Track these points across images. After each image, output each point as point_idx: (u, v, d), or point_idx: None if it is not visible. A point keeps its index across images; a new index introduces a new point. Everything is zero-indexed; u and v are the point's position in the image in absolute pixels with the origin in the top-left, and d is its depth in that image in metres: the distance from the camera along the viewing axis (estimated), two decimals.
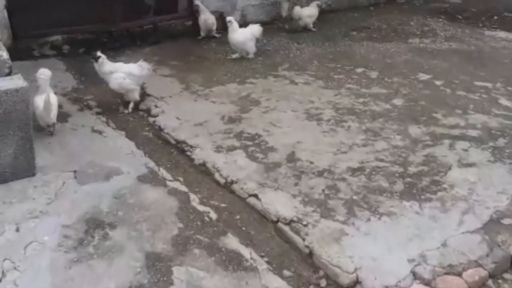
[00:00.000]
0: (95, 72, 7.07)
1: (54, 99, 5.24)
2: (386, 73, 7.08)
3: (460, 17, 10.01)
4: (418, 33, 8.98)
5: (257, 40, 7.74)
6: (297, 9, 8.83)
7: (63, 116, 5.82)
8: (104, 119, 5.89)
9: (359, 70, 7.21)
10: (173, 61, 7.59)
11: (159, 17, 8.14)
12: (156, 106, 6.10)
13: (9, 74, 4.34)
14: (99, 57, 5.94)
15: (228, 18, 7.59)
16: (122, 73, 5.92)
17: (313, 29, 8.91)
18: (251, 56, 7.62)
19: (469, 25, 9.47)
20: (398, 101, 6.21)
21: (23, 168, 4.31)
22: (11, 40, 7.23)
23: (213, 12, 8.60)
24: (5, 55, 4.27)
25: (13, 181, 4.42)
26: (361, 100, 6.27)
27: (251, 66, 7.37)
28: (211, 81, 6.90)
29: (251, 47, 7.61)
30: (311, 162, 4.92)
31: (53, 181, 4.56)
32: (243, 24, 8.79)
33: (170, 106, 6.11)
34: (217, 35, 8.44)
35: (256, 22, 8.98)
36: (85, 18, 7.81)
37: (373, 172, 4.72)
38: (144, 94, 6.46)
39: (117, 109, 6.17)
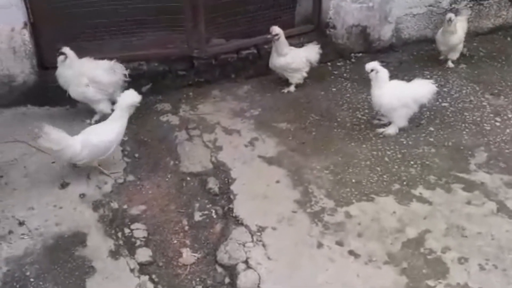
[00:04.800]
0: (163, 134, 4.48)
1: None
2: None
3: None
4: None
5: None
6: None
7: (80, 271, 3.20)
8: (150, 287, 3.16)
9: None
10: (283, 120, 4.62)
11: (264, 37, 5.11)
12: (247, 264, 3.22)
13: None
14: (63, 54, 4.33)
15: (370, 66, 4.29)
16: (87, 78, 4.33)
17: None
18: (392, 131, 4.37)
19: None
20: None
21: None
22: (35, 74, 4.63)
23: (353, 27, 5.42)
24: None
25: None
26: None
27: (418, 151, 4.20)
28: (347, 182, 3.89)
29: (401, 119, 4.35)
30: None
31: None
32: (396, 42, 5.65)
33: (274, 264, 3.24)
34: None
35: (416, 40, 5.81)
36: (152, 39, 5.00)
37: None
38: (227, 215, 3.65)
39: (180, 252, 3.41)
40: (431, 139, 4.33)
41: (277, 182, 3.92)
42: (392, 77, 4.83)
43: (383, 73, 4.26)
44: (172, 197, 3.81)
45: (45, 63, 4.70)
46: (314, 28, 5.49)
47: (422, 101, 4.34)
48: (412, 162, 4.08)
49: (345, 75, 5.30)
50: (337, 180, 3.92)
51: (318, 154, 4.20)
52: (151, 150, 4.26)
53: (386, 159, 4.13)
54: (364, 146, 4.28)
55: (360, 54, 5.58)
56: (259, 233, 3.45)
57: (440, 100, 4.81)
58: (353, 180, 3.92)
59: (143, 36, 4.99)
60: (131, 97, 3.90)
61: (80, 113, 4.59)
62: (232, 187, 3.84)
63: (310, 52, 5.02)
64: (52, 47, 4.63)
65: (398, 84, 4.37)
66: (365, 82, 4.79)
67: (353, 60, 5.54)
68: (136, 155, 4.20)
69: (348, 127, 4.51)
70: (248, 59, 5.23)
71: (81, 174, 3.92)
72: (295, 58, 4.95)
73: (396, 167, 4.04)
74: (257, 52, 5.25)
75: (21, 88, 4.61)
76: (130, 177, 3.97)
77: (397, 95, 4.25)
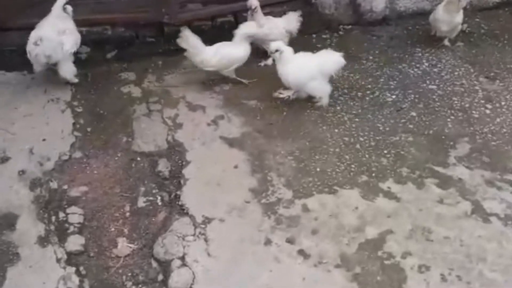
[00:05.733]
0: (120, 106, 4.16)
1: None
2: None
3: None
4: None
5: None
6: None
7: (4, 258, 2.95)
8: (75, 280, 2.90)
9: None
10: (254, 97, 4.24)
11: (243, 3, 4.68)
12: (183, 260, 2.95)
13: None
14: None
15: (275, 46, 4.05)
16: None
17: None
18: (322, 101, 4.14)
19: None
20: None
21: None
22: None
23: None
24: None
25: None
26: None
27: (394, 139, 3.81)
28: (310, 171, 3.54)
29: (316, 91, 4.10)
30: None
31: None
32: (390, 14, 5.18)
33: (212, 262, 2.95)
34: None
35: (412, 12, 5.33)
36: (119, 2, 4.62)
37: None
38: (173, 202, 3.35)
39: (116, 242, 3.13)
40: (411, 126, 3.94)
41: (235, 167, 3.59)
42: (382, 53, 4.56)
43: (288, 52, 4.05)
44: (119, 178, 3.51)
45: (1, 25, 4.37)
46: None
47: (328, 73, 4.05)
48: (385, 151, 3.71)
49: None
50: (300, 168, 3.58)
51: (285, 137, 3.84)
52: (105, 125, 3.93)
53: (358, 146, 3.76)
54: (336, 130, 3.91)
55: (350, 27, 5.15)
56: (203, 225, 3.16)
57: (428, 81, 4.39)
58: (318, 169, 3.57)
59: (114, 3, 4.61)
60: (245, 29, 4.30)
61: (36, 79, 4.27)
62: (184, 171, 3.53)
63: (290, 22, 4.61)
64: (8, 8, 4.30)
65: (303, 56, 4.11)
66: (351, 58, 4.48)
67: (341, 32, 5.11)
68: (89, 129, 3.89)
69: (323, 108, 4.12)
70: (224, 28, 4.81)
71: (24, 148, 3.63)
72: (273, 29, 4.55)
73: (366, 156, 3.68)
74: (234, 20, 4.84)
75: None
76: (77, 154, 3.66)
77: (302, 69, 4.03)
